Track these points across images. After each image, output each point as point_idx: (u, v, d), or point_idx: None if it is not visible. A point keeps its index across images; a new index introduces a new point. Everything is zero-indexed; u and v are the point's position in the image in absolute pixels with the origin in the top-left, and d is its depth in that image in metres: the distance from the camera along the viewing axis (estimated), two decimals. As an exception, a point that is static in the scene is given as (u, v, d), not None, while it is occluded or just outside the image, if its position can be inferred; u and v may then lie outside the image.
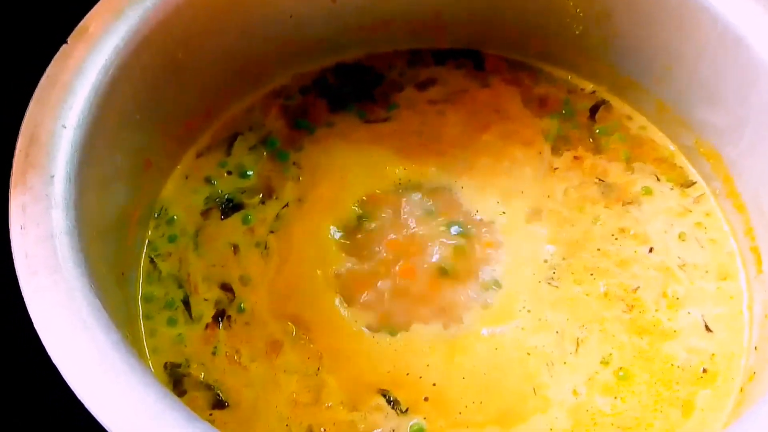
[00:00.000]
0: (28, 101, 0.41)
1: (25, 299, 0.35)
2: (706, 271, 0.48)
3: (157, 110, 0.48)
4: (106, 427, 0.32)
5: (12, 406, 0.48)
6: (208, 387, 0.44)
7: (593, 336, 0.46)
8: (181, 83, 0.49)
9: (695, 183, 0.51)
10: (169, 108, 0.49)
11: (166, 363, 0.45)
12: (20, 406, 0.48)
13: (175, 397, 0.33)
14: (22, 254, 0.36)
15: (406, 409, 0.44)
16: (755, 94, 0.45)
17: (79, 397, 0.33)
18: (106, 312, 0.35)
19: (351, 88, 0.55)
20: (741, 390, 0.44)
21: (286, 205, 0.50)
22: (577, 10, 0.52)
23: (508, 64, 0.56)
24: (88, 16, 0.44)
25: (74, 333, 0.34)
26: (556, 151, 0.52)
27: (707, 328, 0.46)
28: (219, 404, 0.44)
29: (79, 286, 0.36)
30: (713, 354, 0.45)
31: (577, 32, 0.53)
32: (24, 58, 0.46)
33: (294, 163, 0.52)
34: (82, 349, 0.34)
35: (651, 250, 0.49)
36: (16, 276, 0.36)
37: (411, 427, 0.43)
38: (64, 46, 0.42)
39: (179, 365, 0.45)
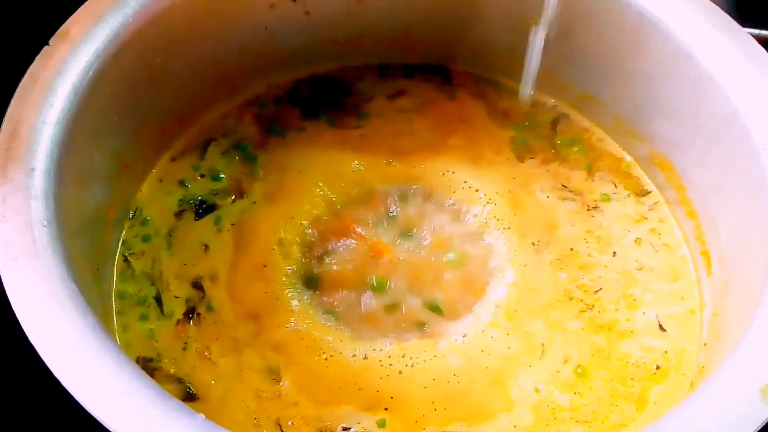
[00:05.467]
0: (10, 98, 0.42)
1: (4, 282, 0.36)
2: (661, 274, 0.50)
3: (134, 114, 0.49)
4: (82, 404, 0.33)
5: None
6: (179, 381, 0.45)
7: (556, 336, 0.48)
8: (158, 89, 0.51)
9: (650, 192, 0.54)
10: (146, 112, 0.50)
11: (138, 357, 0.46)
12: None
13: (149, 377, 0.34)
14: (3, 241, 0.37)
15: (370, 406, 0.45)
16: (705, 108, 0.47)
17: (56, 375, 0.34)
18: (82, 296, 0.36)
19: (323, 99, 0.57)
20: (691, 385, 0.46)
21: (254, 202, 0.51)
22: (539, 29, 0.54)
23: (474, 78, 0.59)
24: (70, 20, 0.45)
25: (52, 314, 0.35)
26: (520, 158, 0.55)
27: (661, 328, 0.48)
28: (189, 397, 0.45)
29: (57, 273, 0.37)
30: (666, 352, 0.47)
31: (539, 49, 0.55)
32: (6, 58, 0.47)
33: (263, 165, 0.53)
34: (60, 330, 0.35)
35: (614, 254, 0.51)
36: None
37: (378, 421, 0.44)
38: (46, 47, 0.44)
39: (151, 360, 0.46)
